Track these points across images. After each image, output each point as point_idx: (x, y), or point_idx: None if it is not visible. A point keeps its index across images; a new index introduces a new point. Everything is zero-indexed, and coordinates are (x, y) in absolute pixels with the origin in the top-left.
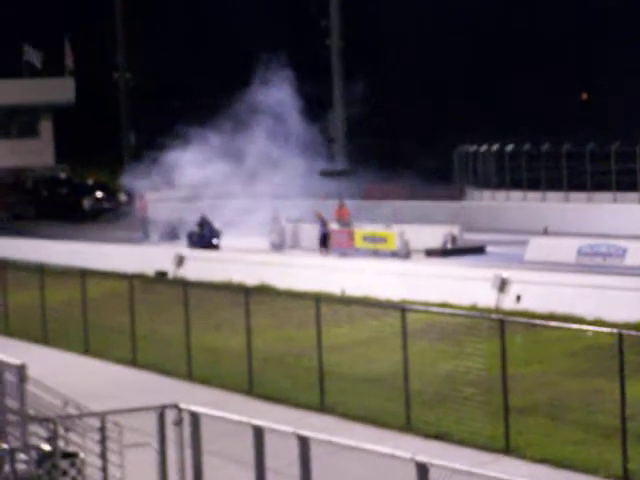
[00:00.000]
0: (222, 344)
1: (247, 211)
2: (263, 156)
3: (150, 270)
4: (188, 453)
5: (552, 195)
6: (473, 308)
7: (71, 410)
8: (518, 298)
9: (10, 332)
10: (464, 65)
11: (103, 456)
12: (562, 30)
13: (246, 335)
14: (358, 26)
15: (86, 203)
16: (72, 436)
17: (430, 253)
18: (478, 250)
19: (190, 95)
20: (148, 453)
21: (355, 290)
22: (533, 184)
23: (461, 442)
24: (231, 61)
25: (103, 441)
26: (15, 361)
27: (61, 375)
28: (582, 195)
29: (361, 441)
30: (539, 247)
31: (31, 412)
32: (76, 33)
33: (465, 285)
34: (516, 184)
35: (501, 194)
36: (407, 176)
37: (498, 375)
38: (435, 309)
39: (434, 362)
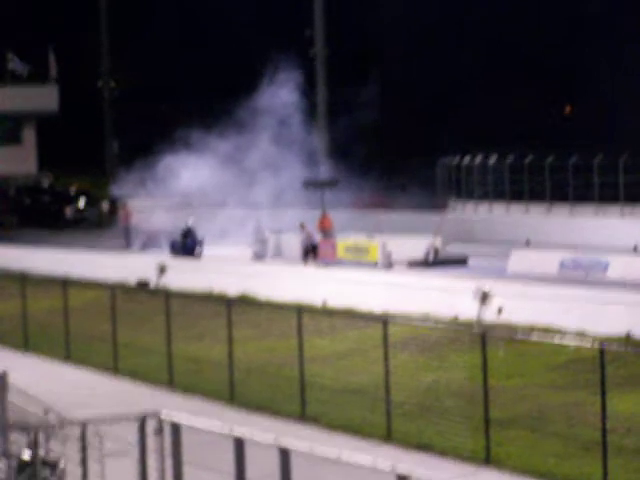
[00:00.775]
0: (204, 354)
1: (235, 220)
2: (256, 164)
3: (132, 279)
4: (169, 462)
5: (535, 207)
6: (455, 320)
7: (52, 418)
8: (500, 310)
9: None
10: (447, 77)
11: (84, 464)
12: (546, 42)
13: (228, 345)
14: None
15: (68, 211)
16: (53, 444)
17: (412, 264)
18: (460, 262)
19: (177, 102)
20: (129, 462)
21: (337, 301)
22: (516, 196)
23: (442, 453)
24: (223, 66)
25: (84, 450)
26: None
27: (42, 383)
28: (564, 208)
29: (342, 452)
30: (521, 259)
31: (11, 420)
32: (60, 41)
33: (447, 297)
34: (499, 196)
35: (484, 206)
36: (391, 187)
37: (479, 387)
38: (417, 322)
39: (416, 374)
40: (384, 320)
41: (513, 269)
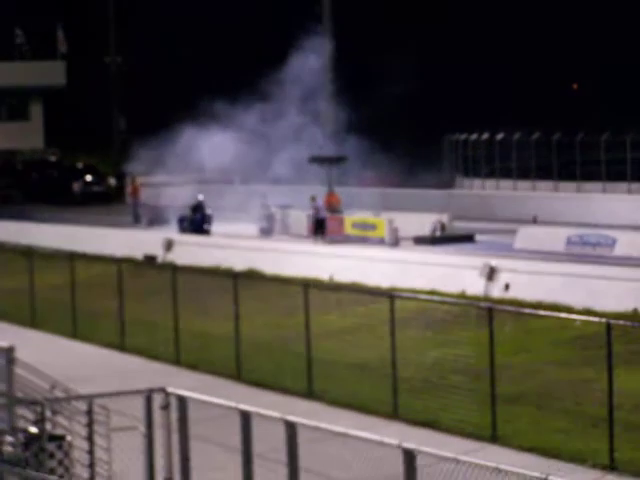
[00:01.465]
0: (210, 329)
1: (244, 196)
2: (269, 140)
3: (139, 254)
4: (175, 437)
5: (542, 184)
6: (461, 296)
7: (59, 393)
8: (507, 287)
9: None
10: (455, 53)
11: (90, 439)
12: (553, 19)
13: (234, 320)
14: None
15: (76, 186)
16: (59, 419)
17: (419, 241)
18: (467, 238)
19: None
20: (135, 437)
21: (343, 277)
22: (523, 173)
23: (448, 430)
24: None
25: (90, 424)
26: (3, 343)
27: (49, 358)
28: (572, 185)
29: (348, 428)
30: (528, 236)
31: (19, 395)
32: (68, 16)
33: (454, 273)
34: (506, 173)
35: (491, 183)
36: (398, 164)
37: (486, 363)
38: (423, 297)
39: (422, 350)
40: (391, 296)
41: (520, 246)
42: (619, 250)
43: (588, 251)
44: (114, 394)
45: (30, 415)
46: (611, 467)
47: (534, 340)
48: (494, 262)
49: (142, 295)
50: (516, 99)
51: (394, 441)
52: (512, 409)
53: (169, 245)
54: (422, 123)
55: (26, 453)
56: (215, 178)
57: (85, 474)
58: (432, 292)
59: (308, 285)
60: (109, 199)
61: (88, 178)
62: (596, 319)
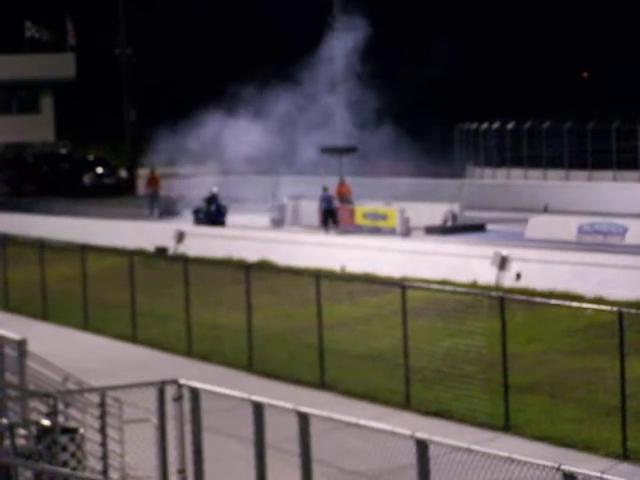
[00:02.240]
0: (222, 320)
1: (259, 187)
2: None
3: (151, 246)
4: (188, 429)
5: (553, 173)
6: (473, 286)
7: (71, 385)
8: (518, 276)
9: (10, 308)
10: (465, 42)
11: (103, 432)
12: (563, 7)
13: (246, 312)
14: None
15: (87, 179)
16: (72, 411)
17: (430, 230)
18: (478, 228)
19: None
20: (148, 429)
21: (355, 267)
22: (534, 162)
23: (461, 420)
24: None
25: (103, 417)
26: (15, 336)
27: (61, 351)
28: (583, 173)
29: (361, 418)
30: (539, 225)
31: (31, 387)
32: (78, 8)
33: (465, 263)
34: (517, 162)
35: (502, 172)
36: (409, 153)
37: (498, 353)
38: (435, 286)
39: (434, 339)
40: (402, 286)
41: (531, 235)
42: (630, 239)
43: (599, 240)
44: (126, 386)
45: (43, 408)
46: (624, 456)
47: (546, 329)
48: (505, 251)
49: (154, 287)
50: (527, 88)
51: (407, 431)
52: (524, 398)
53: (181, 237)
54: (433, 112)
55: (39, 446)
56: (236, 169)
57: (98, 466)
58: (443, 282)
59: (320, 276)
60: (120, 191)
61: (99, 170)
62: (607, 308)
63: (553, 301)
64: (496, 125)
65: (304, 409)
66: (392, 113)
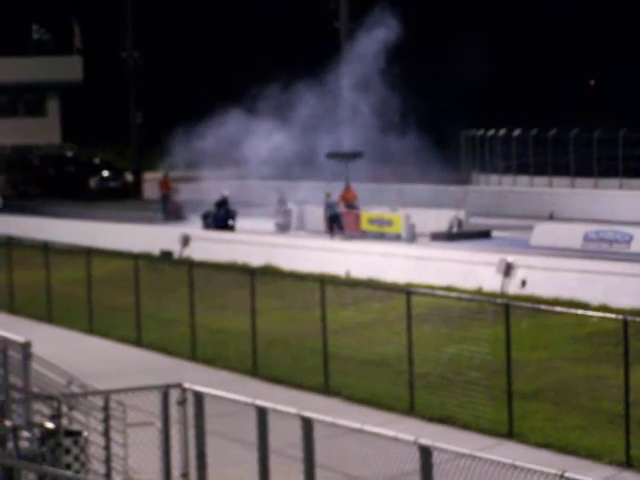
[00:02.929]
0: (227, 325)
1: (263, 192)
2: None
3: (156, 250)
4: (191, 433)
5: (559, 180)
6: (478, 292)
7: (75, 388)
8: (523, 283)
9: (15, 310)
10: (473, 50)
11: (106, 435)
12: (570, 15)
13: (251, 316)
14: None
15: (92, 182)
16: (76, 414)
17: (436, 237)
18: (484, 234)
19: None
20: (151, 432)
21: (360, 273)
22: (540, 169)
23: (465, 426)
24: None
25: (107, 420)
26: (20, 338)
27: (65, 353)
28: (589, 181)
29: (365, 424)
30: (545, 232)
31: (35, 390)
32: (84, 11)
33: (470, 269)
34: (523, 169)
35: (508, 179)
36: (414, 159)
37: (502, 360)
38: (440, 293)
39: (439, 346)
40: (407, 292)
41: (536, 242)
42: (636, 247)
43: (605, 248)
44: (130, 390)
45: (46, 410)
46: (627, 464)
47: (551, 336)
48: (511, 258)
49: (158, 291)
50: (533, 95)
51: (410, 437)
52: (528, 405)
53: (186, 241)
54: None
55: (42, 448)
56: (257, 173)
57: (101, 470)
58: (449, 288)
59: (324, 281)
60: (126, 194)
61: (105, 173)
62: (613, 316)
63: (558, 308)
64: (502, 132)
65: (308, 414)
66: (399, 120)
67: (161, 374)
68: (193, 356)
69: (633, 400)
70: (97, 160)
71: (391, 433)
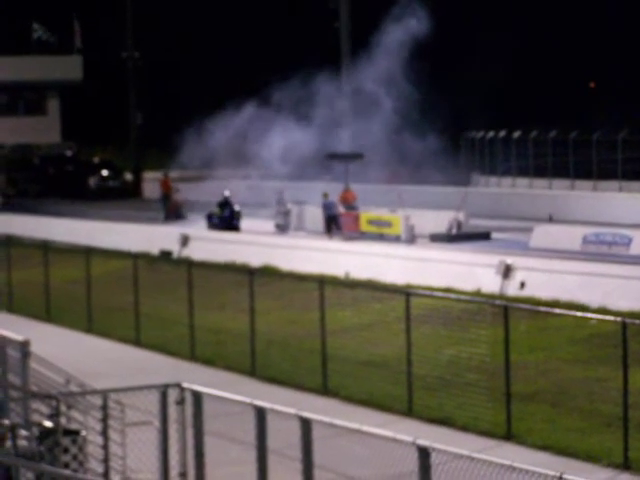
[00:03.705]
0: (225, 325)
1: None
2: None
3: (155, 249)
4: (190, 433)
5: (558, 182)
6: (477, 294)
7: (73, 388)
8: (522, 285)
9: (14, 309)
10: (473, 51)
11: (105, 434)
12: (570, 17)
13: (249, 316)
14: None
15: (92, 181)
16: (74, 414)
17: (435, 238)
18: (483, 236)
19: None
20: (150, 432)
21: (359, 274)
22: (539, 171)
23: (463, 427)
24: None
25: (105, 419)
26: (18, 337)
27: (64, 353)
28: (588, 183)
29: (363, 424)
30: (544, 234)
31: (34, 389)
32: (84, 11)
33: (469, 271)
34: (522, 171)
35: (507, 181)
36: (414, 161)
37: (501, 361)
38: (439, 294)
39: (437, 347)
40: (406, 293)
41: (536, 244)
42: (635, 249)
43: (604, 250)
44: (129, 389)
45: (45, 409)
46: (625, 466)
47: (549, 338)
48: (510, 260)
49: (158, 290)
50: (533, 97)
51: (409, 438)
52: (527, 407)
53: (185, 240)
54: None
55: (41, 447)
56: (270, 173)
57: (99, 469)
58: (448, 290)
59: (323, 282)
60: (125, 194)
61: (104, 173)
62: (611, 318)
63: (557, 310)
64: (502, 134)
65: (306, 415)
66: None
67: (160, 374)
68: (192, 356)
69: (631, 402)
70: (97, 159)
71: (389, 434)
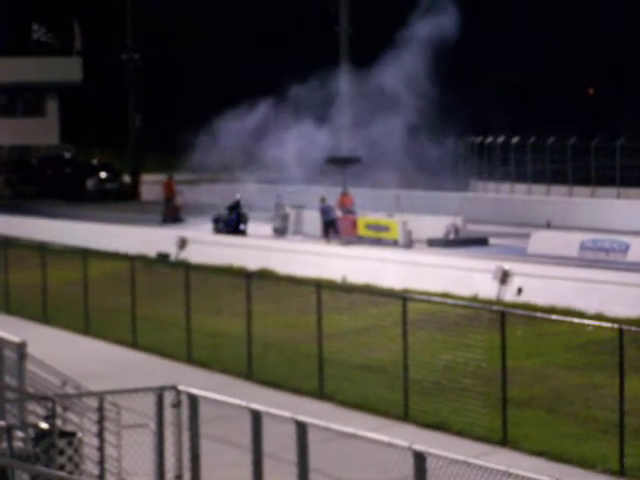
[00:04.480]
0: (222, 328)
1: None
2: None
3: (153, 252)
4: (186, 435)
5: (556, 189)
6: (474, 299)
7: (70, 389)
8: (519, 291)
9: (10, 310)
10: (471, 55)
11: (100, 436)
12: (569, 23)
13: (246, 319)
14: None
15: (90, 183)
16: (70, 415)
17: (432, 243)
18: (481, 241)
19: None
20: (146, 434)
21: (357, 278)
22: (538, 177)
23: (459, 433)
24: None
25: (101, 421)
26: (15, 338)
27: (61, 354)
28: (586, 189)
29: (359, 429)
30: (542, 240)
31: (30, 390)
32: (84, 12)
33: (467, 276)
34: (521, 177)
35: (505, 186)
36: (412, 166)
37: (497, 367)
38: (436, 299)
39: (434, 352)
40: (403, 298)
41: (533, 250)
42: (632, 256)
43: (601, 256)
44: (125, 391)
45: (41, 411)
46: (621, 472)
47: (546, 344)
48: (507, 266)
49: (155, 293)
50: (532, 103)
51: (404, 443)
52: (523, 413)
53: (183, 243)
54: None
55: (36, 449)
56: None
57: (95, 471)
58: (445, 295)
59: (321, 286)
60: (123, 196)
61: (102, 175)
62: (608, 325)
63: (554, 316)
64: (501, 139)
65: (302, 418)
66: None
67: (156, 376)
68: (188, 359)
69: (627, 409)
70: (95, 161)
71: (385, 438)
